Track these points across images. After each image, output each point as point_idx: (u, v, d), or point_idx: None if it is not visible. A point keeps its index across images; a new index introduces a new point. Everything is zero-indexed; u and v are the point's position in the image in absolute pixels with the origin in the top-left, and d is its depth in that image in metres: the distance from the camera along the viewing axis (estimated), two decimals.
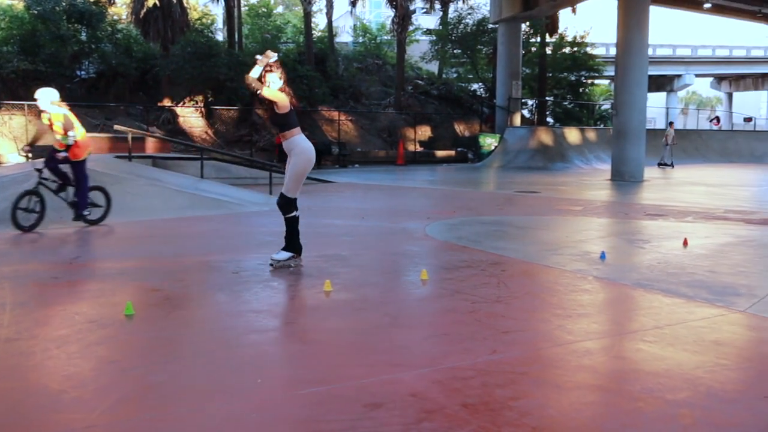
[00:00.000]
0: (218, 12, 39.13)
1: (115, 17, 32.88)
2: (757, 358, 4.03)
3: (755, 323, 4.74)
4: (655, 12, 23.59)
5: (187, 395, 3.30)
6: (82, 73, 28.45)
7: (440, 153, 31.07)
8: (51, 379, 3.51)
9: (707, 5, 32.82)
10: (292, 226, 6.51)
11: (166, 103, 27.40)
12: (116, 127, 15.93)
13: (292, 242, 6.51)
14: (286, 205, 6.52)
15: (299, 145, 6.53)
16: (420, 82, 37.41)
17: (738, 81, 73.63)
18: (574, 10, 34.51)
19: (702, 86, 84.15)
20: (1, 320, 4.57)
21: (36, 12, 26.43)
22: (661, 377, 3.59)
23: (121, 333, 4.37)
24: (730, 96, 76.99)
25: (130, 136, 14.58)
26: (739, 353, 4.10)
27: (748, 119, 52.96)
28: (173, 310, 4.96)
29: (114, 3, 30.91)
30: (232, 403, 3.19)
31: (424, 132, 32.68)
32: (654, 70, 53.08)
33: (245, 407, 3.15)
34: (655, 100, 58.71)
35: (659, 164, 27.00)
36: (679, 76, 67.18)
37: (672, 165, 26.91)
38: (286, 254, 6.45)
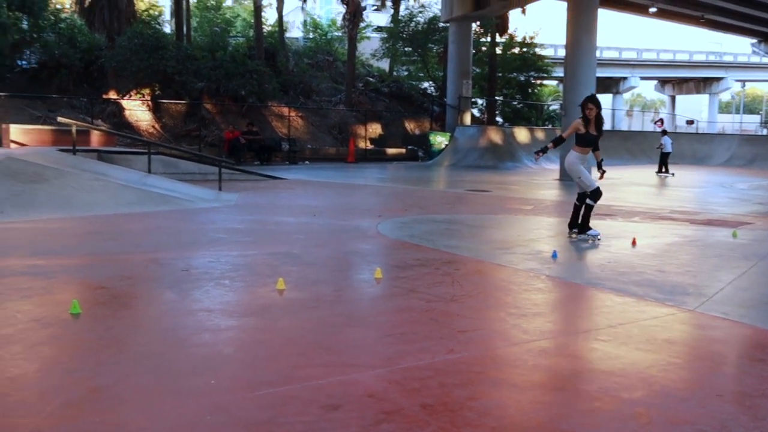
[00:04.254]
0: (166, 3, 38.56)
1: (59, 6, 32.05)
2: (708, 357, 4.08)
3: (705, 322, 4.81)
4: (603, 15, 23.95)
5: (137, 398, 3.19)
6: (24, 63, 27.61)
7: (391, 151, 31.10)
8: None
9: (653, 9, 33.43)
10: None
11: (112, 95, 26.80)
12: (60, 119, 15.51)
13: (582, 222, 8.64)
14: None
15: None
16: (371, 79, 37.37)
17: (681, 84, 75.50)
18: (524, 11, 34.79)
19: (647, 89, 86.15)
20: None
21: None
22: (617, 376, 3.61)
23: (66, 333, 4.22)
24: (673, 99, 78.93)
25: (74, 129, 14.20)
26: (690, 352, 4.16)
27: (690, 122, 54.35)
28: (121, 308, 4.82)
29: None
30: (185, 406, 3.10)
31: (375, 129, 32.65)
32: (601, 72, 53.86)
33: (199, 410, 3.06)
34: (602, 102, 59.64)
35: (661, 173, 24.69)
36: (624, 78, 68.60)
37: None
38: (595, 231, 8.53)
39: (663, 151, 24.68)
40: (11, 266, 6.11)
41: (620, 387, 3.45)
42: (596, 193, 8.51)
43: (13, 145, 15.66)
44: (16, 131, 16.24)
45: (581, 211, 8.65)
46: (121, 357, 3.78)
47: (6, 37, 25.91)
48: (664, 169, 24.28)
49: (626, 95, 78.19)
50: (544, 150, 8.85)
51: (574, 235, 8.72)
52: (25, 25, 27.23)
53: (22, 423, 2.90)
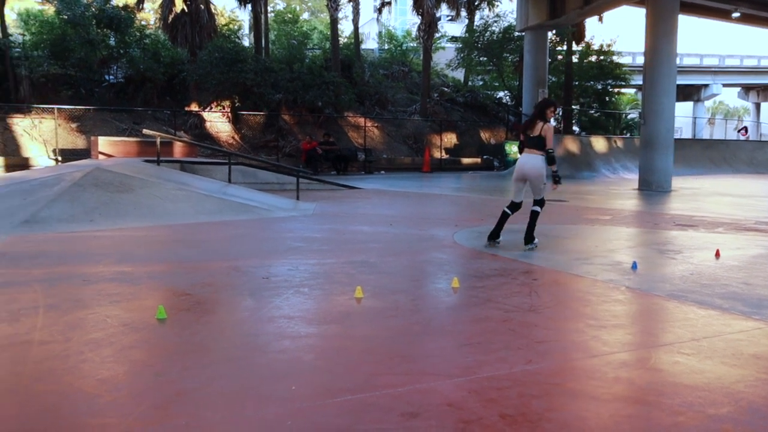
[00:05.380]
0: (245, 18, 39.48)
1: (144, 22, 33.23)
2: None
3: None
4: (683, 21, 23.39)
5: (220, 401, 3.28)
6: (111, 77, 28.77)
7: (466, 160, 31.03)
8: (86, 383, 3.50)
9: (736, 14, 32.40)
10: (500, 217, 8.38)
11: (194, 107, 27.62)
12: (145, 131, 16.07)
13: (495, 227, 8.38)
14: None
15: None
16: (446, 89, 37.40)
17: (766, 91, 72.77)
18: (600, 19, 34.35)
19: (729, 96, 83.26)
20: (34, 323, 4.59)
21: (66, 17, 26.81)
22: (701, 391, 3.52)
23: (153, 337, 4.37)
24: (757, 106, 76.10)
25: (158, 140, 14.68)
26: None
27: None
28: (204, 314, 4.96)
29: (142, 8, 31.22)
30: (267, 410, 3.17)
31: (450, 139, 32.64)
32: (681, 80, 52.50)
33: (280, 414, 3.12)
34: (682, 110, 58.17)
35: None
36: (706, 85, 66.55)
37: None
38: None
39: None
40: (101, 273, 6.36)
41: (705, 402, 3.36)
42: (544, 202, 8.29)
43: (101, 157, 16.30)
44: (104, 143, 16.91)
45: (528, 221, 8.21)
46: (206, 361, 3.89)
47: (95, 53, 27.06)
48: None
49: (708, 103, 75.90)
50: (557, 177, 8.20)
51: (494, 244, 8.37)
52: (112, 41, 28.35)
53: (112, 423, 3.01)
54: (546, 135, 7.90)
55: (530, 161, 7.98)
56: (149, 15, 36.80)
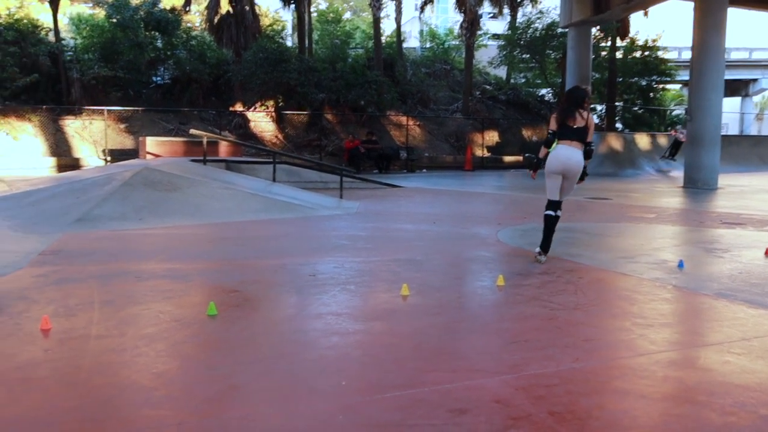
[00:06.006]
0: (288, 18, 39.77)
1: (189, 24, 33.71)
2: None
3: None
4: (731, 14, 22.94)
5: (272, 396, 3.36)
6: (158, 78, 29.29)
7: (508, 158, 30.88)
8: (141, 376, 3.62)
9: None
10: (544, 223, 7.29)
11: (238, 107, 27.96)
12: (191, 131, 16.33)
13: (543, 238, 7.25)
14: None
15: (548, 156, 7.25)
16: (488, 87, 37.25)
17: None
18: (646, 13, 33.81)
19: None
20: (90, 318, 4.73)
21: (115, 20, 27.35)
22: (753, 391, 3.49)
23: (204, 332, 4.48)
24: None
25: (205, 140, 14.91)
26: None
27: None
28: (253, 311, 5.06)
29: (189, 11, 31.68)
30: (317, 405, 3.24)
31: (492, 137, 32.51)
32: (729, 75, 51.38)
33: (330, 409, 3.19)
34: (729, 105, 56.98)
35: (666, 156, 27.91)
36: (755, 80, 65.02)
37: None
38: (537, 248, 7.31)
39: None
40: (152, 270, 6.51)
41: (758, 402, 3.33)
42: None
43: (149, 156, 16.61)
44: (152, 143, 17.23)
45: (547, 228, 7.30)
46: (256, 357, 3.98)
47: (143, 55, 27.57)
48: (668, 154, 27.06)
49: (756, 98, 74.20)
50: (586, 173, 7.43)
51: (542, 259, 7.22)
52: (159, 43, 28.85)
53: (168, 416, 3.11)
54: (590, 126, 7.11)
55: (575, 155, 7.06)
56: (195, 17, 37.29)
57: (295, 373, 3.69)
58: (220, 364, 3.83)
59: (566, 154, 7.08)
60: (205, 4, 30.23)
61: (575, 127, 7.03)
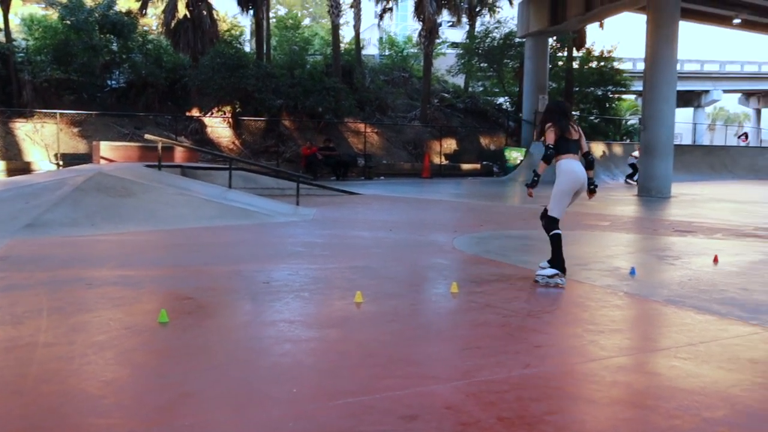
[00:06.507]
0: (247, 23, 39.55)
1: (146, 28, 33.33)
2: None
3: None
4: (684, 27, 23.46)
5: (224, 403, 3.33)
6: (113, 82, 28.90)
7: (465, 166, 31.09)
8: (90, 384, 3.56)
9: (737, 20, 32.47)
10: (555, 243, 6.52)
11: (195, 113, 27.71)
12: (147, 136, 16.12)
13: (557, 259, 6.50)
14: (549, 223, 6.60)
15: (560, 167, 6.60)
16: (446, 95, 37.49)
17: (767, 97, 72.84)
18: (601, 25, 34.41)
19: (730, 102, 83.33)
20: (39, 325, 4.64)
21: (69, 22, 26.93)
22: (697, 395, 3.56)
23: (156, 340, 4.42)
24: (758, 112, 76.20)
25: (160, 146, 14.74)
26: None
27: None
28: (206, 318, 5.01)
29: (145, 14, 31.32)
30: (270, 413, 3.22)
31: (450, 145, 32.71)
32: (681, 86, 52.50)
33: (282, 416, 3.17)
34: (682, 116, 58.22)
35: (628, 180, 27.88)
36: (706, 91, 66.62)
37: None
38: (551, 270, 6.46)
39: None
40: (104, 276, 6.41)
41: (701, 406, 3.41)
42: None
43: (102, 161, 16.36)
44: (106, 148, 16.98)
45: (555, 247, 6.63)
46: (208, 364, 3.94)
47: (97, 58, 27.18)
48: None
49: (708, 109, 75.96)
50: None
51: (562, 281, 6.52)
52: (115, 46, 28.48)
53: (117, 424, 3.06)
54: (583, 136, 6.85)
55: (583, 169, 6.70)
56: (152, 20, 36.92)
57: (248, 381, 3.66)
58: (171, 372, 3.78)
59: (577, 169, 6.65)
60: (162, 7, 29.89)
61: (573, 139, 6.68)
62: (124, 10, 29.39)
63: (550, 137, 6.60)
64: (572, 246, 9.50)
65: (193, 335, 4.52)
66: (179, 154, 18.19)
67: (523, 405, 3.34)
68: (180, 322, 4.80)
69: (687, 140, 54.80)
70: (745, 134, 52.80)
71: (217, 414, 3.20)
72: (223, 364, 3.96)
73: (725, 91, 69.14)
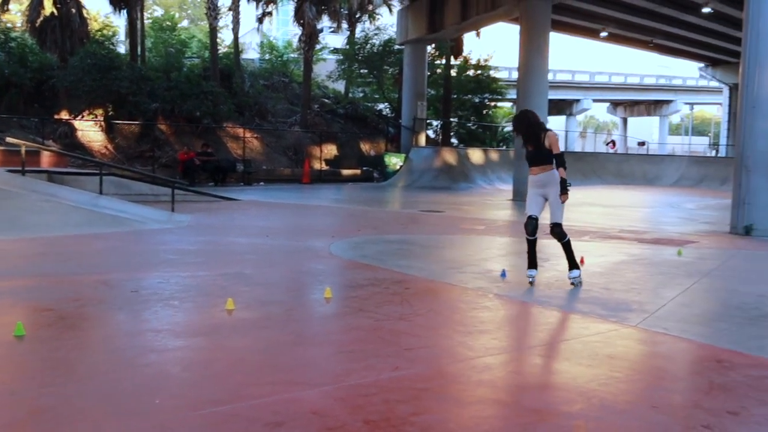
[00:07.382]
0: (120, 24, 38.18)
1: (9, 25, 31.62)
2: (647, 371, 4.21)
3: (645, 337, 4.95)
4: (556, 38, 24.49)
5: (80, 419, 3.18)
6: None
7: (346, 172, 31.17)
8: None
9: (604, 34, 34.16)
10: (569, 247, 7.04)
11: (64, 116, 26.45)
12: (8, 139, 15.29)
13: (575, 261, 7.04)
14: (563, 232, 7.02)
15: (555, 176, 7.03)
16: (326, 100, 37.48)
17: (632, 107, 77.07)
18: (478, 34, 35.36)
19: (599, 111, 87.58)
20: None
21: None
22: (558, 390, 3.70)
23: (10, 354, 4.18)
24: (625, 120, 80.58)
25: (23, 150, 13.98)
26: (630, 366, 4.27)
27: (641, 143, 55.68)
28: (67, 330, 4.78)
29: (7, 10, 29.64)
30: (129, 426, 3.10)
31: (330, 151, 32.72)
32: (554, 95, 54.87)
33: (142, 429, 3.06)
34: (556, 124, 60.70)
35: None
36: (578, 100, 69.81)
37: None
38: (577, 271, 6.97)
39: None
40: None
41: (560, 401, 3.54)
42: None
43: None
44: None
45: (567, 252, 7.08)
46: (66, 379, 3.75)
47: None
48: None
49: (579, 117, 79.53)
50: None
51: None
52: None
53: None
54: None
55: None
56: (16, 17, 35.02)
57: (108, 394, 3.51)
58: (24, 388, 3.58)
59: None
60: (27, 3, 28.40)
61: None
62: None
63: (558, 146, 7.09)
64: (448, 249, 9.70)
65: (51, 348, 4.30)
66: (46, 159, 17.34)
67: (390, 407, 3.36)
68: (38, 335, 4.56)
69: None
70: (613, 141, 55.70)
71: (71, 430, 3.05)
72: (81, 378, 3.78)
73: (595, 101, 72.67)
